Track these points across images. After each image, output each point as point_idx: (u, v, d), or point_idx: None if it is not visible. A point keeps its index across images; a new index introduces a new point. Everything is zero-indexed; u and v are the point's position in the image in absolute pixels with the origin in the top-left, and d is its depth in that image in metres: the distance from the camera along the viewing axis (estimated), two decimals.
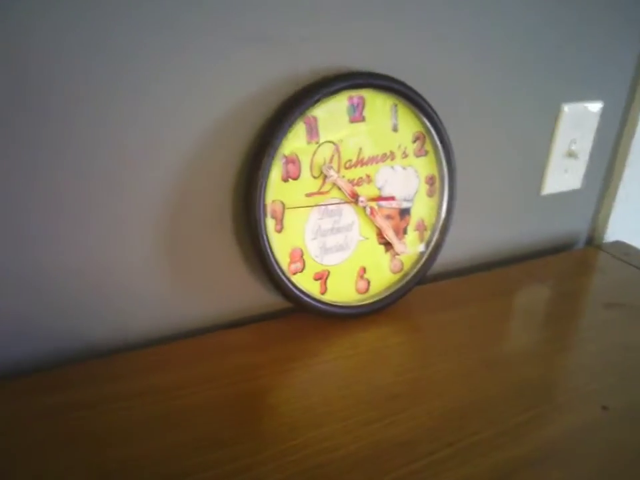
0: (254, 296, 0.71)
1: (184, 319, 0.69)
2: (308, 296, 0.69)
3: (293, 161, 0.65)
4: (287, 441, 0.56)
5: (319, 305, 0.70)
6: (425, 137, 0.73)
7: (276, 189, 0.65)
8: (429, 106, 0.71)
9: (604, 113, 0.90)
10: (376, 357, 0.69)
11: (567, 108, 0.86)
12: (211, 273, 0.68)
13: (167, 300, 0.67)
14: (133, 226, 0.63)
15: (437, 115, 0.72)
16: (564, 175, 0.91)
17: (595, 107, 0.89)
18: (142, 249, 0.64)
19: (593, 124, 0.90)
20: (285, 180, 0.65)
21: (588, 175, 0.93)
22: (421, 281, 0.77)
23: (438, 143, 0.73)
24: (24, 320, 0.60)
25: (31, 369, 0.62)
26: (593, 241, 1.00)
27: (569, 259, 0.93)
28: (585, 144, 0.90)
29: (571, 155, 0.89)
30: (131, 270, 0.64)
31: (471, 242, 0.87)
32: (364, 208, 0.70)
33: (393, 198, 0.72)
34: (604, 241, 0.99)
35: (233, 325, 0.71)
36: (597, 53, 0.85)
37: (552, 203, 0.92)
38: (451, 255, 0.84)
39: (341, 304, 0.72)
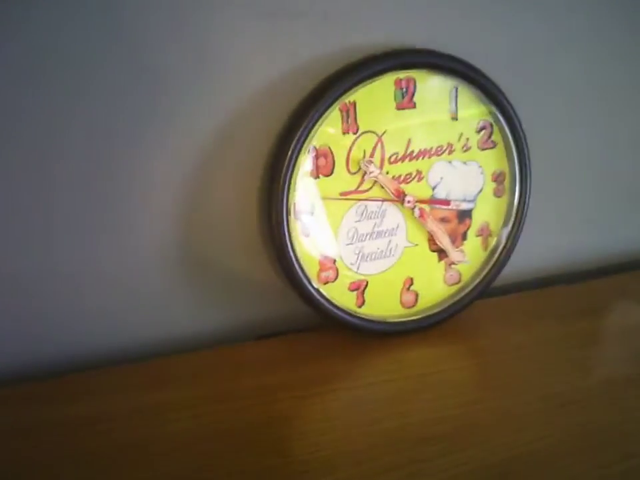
0: (282, 306, 0.63)
1: (201, 329, 0.62)
2: (340, 309, 0.60)
3: (324, 154, 0.56)
4: None
5: (352, 319, 0.61)
6: (492, 127, 0.61)
7: (304, 186, 0.56)
8: (498, 89, 0.59)
9: None
10: (418, 385, 0.59)
11: None
12: (232, 278, 0.61)
13: (182, 307, 0.61)
14: (145, 226, 0.57)
15: (507, 99, 0.60)
16: None
17: None
18: (155, 251, 0.58)
19: None
20: (315, 176, 0.56)
21: None
22: (483, 294, 0.66)
23: (509, 133, 0.61)
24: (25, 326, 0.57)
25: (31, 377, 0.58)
26: None
27: None
28: None
29: None
30: (143, 274, 0.58)
31: (550, 249, 0.75)
32: (412, 210, 0.60)
33: (447, 202, 0.61)
34: None
35: (258, 339, 0.63)
36: None
37: None
38: (523, 264, 0.72)
39: (380, 319, 0.62)
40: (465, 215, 0.63)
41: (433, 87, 0.58)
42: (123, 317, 0.59)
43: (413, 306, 0.64)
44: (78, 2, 0.47)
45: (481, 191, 0.63)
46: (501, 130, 0.61)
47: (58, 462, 0.48)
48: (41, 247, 0.54)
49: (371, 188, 0.58)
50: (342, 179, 0.57)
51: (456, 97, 0.59)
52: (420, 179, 0.60)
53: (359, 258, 0.60)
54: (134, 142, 0.53)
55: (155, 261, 0.58)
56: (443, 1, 0.57)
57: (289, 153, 0.54)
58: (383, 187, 0.59)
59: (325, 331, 0.63)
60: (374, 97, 0.56)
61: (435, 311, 0.64)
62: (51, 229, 0.54)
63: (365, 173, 0.57)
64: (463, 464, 0.50)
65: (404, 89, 0.57)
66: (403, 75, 0.56)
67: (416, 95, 0.58)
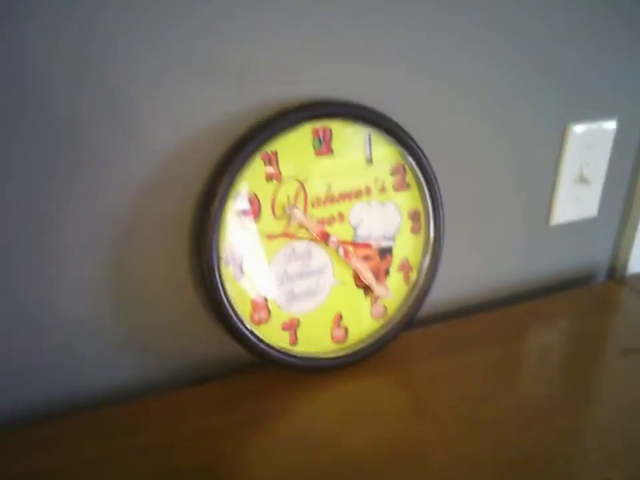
0: (218, 349, 0.65)
1: (137, 377, 0.63)
2: (274, 349, 0.62)
3: (251, 201, 0.59)
4: None
5: (287, 357, 0.63)
6: (404, 169, 0.66)
7: (232, 232, 0.59)
8: (407, 135, 0.64)
9: (619, 132, 0.81)
10: (353, 416, 0.62)
11: (576, 128, 0.77)
12: (167, 324, 0.63)
13: (116, 356, 0.62)
14: (74, 273, 0.57)
15: (416, 144, 0.65)
16: (576, 202, 0.82)
17: (609, 125, 0.80)
18: (85, 299, 0.59)
19: (607, 144, 0.81)
20: (243, 223, 0.59)
21: (605, 201, 0.84)
22: (408, 326, 0.69)
23: (420, 174, 0.66)
24: None
25: None
26: (615, 274, 0.90)
27: (585, 296, 0.84)
28: (599, 167, 0.81)
29: (583, 179, 0.80)
30: (72, 325, 0.59)
31: (467, 280, 0.79)
32: (336, 249, 0.64)
33: (367, 245, 0.65)
34: (628, 274, 0.89)
35: (197, 382, 0.65)
36: (608, 66, 0.77)
37: (563, 234, 0.83)
38: (444, 295, 0.77)
39: (314, 356, 0.65)
40: (386, 252, 0.67)
41: (348, 135, 0.62)
42: (56, 369, 0.60)
43: (344, 341, 0.67)
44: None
45: (399, 229, 0.67)
46: (413, 172, 0.66)
47: None
48: None
49: (297, 230, 0.62)
50: (269, 224, 0.61)
51: (370, 143, 0.64)
52: (342, 220, 0.64)
53: (290, 297, 0.63)
54: (58, 197, 0.54)
55: (86, 312, 0.59)
56: (352, 56, 0.61)
57: (215, 202, 0.57)
58: (307, 229, 0.62)
59: (261, 370, 0.65)
60: (294, 145, 0.60)
61: (365, 344, 0.68)
62: None
63: (290, 217, 0.61)
64: None
65: (321, 137, 0.61)
66: (319, 124, 0.61)
67: (333, 142, 0.62)
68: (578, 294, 0.84)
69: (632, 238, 0.87)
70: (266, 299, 0.62)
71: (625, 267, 0.89)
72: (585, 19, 0.73)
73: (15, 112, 0.51)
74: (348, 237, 0.65)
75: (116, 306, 0.60)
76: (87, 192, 0.55)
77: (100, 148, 0.54)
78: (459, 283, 0.79)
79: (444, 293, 0.76)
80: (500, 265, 0.81)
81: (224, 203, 0.57)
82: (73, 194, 0.55)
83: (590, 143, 0.79)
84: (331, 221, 0.64)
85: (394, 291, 0.68)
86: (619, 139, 0.81)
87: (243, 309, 0.61)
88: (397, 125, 0.64)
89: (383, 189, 0.65)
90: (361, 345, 0.67)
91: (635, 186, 0.85)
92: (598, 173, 0.82)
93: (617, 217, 0.87)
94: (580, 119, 0.78)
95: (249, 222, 0.60)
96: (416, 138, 0.65)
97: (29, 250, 0.55)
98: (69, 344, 0.59)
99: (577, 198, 0.81)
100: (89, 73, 0.52)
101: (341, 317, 0.66)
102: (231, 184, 0.57)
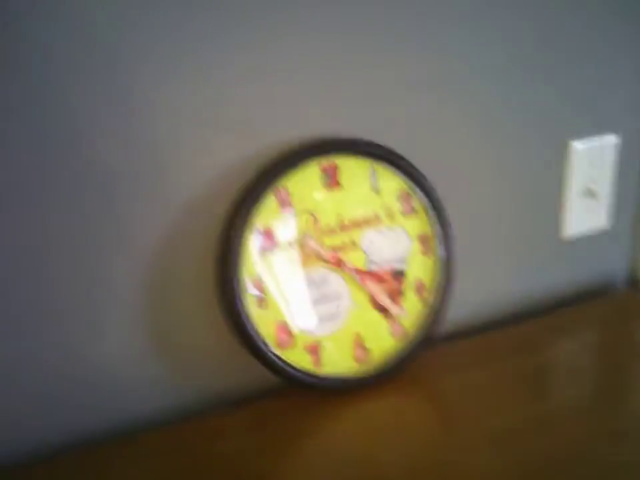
0: (249, 373, 0.70)
1: (173, 404, 0.68)
2: (300, 371, 0.67)
3: (267, 234, 0.65)
4: None
5: (312, 379, 0.67)
6: (410, 196, 0.71)
7: (253, 263, 0.64)
8: (409, 164, 0.69)
9: (623, 145, 0.84)
10: (377, 433, 0.65)
11: (578, 144, 0.81)
12: (199, 352, 0.68)
13: (152, 385, 0.67)
14: (112, 314, 0.64)
15: (419, 171, 0.70)
16: (585, 215, 0.85)
17: (610, 140, 0.83)
18: (123, 335, 0.65)
19: (611, 158, 0.84)
20: (262, 253, 0.65)
21: (616, 212, 0.87)
22: (428, 343, 0.73)
23: (425, 200, 0.71)
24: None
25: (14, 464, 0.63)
26: (634, 283, 0.92)
27: (604, 306, 0.86)
28: (604, 180, 0.85)
29: (590, 193, 0.84)
30: (113, 360, 0.65)
31: (485, 297, 0.83)
32: (351, 275, 0.68)
33: (380, 276, 0.70)
34: None
35: (230, 405, 0.69)
36: (605, 82, 0.81)
37: (577, 247, 0.86)
38: (464, 313, 0.80)
39: (337, 376, 0.69)
40: (399, 274, 0.71)
41: (353, 168, 0.68)
42: (101, 402, 0.66)
43: (366, 360, 0.71)
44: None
45: (409, 252, 0.72)
46: (419, 198, 0.71)
47: None
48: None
49: (312, 259, 0.67)
50: (286, 254, 0.66)
51: (374, 173, 0.69)
52: (354, 247, 0.69)
53: (311, 322, 0.68)
54: (94, 241, 0.61)
55: (123, 349, 0.65)
56: (350, 95, 0.67)
57: (234, 237, 0.63)
58: (322, 258, 0.67)
59: (288, 392, 0.69)
60: (303, 182, 0.65)
61: (387, 363, 0.71)
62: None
63: (305, 246, 0.66)
64: None
65: (328, 173, 0.67)
66: (325, 161, 0.66)
67: (339, 176, 0.67)
68: (597, 304, 0.86)
69: None
70: (289, 324, 0.67)
71: None
72: (584, 34, 0.78)
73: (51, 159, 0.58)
74: (361, 262, 0.69)
75: (150, 340, 0.66)
76: (120, 233, 0.62)
77: (133, 192, 0.61)
78: (476, 300, 0.82)
79: (463, 311, 0.80)
80: (517, 281, 0.84)
81: (242, 237, 0.63)
82: (111, 228, 0.62)
83: (592, 157, 0.83)
84: (343, 248, 0.68)
85: (410, 311, 0.72)
86: (624, 151, 0.84)
87: (267, 335, 0.66)
88: (398, 156, 0.69)
89: (391, 216, 0.70)
90: (383, 364, 0.71)
91: None
92: (604, 185, 0.85)
93: (628, 227, 0.89)
94: (582, 135, 0.81)
95: (268, 253, 0.65)
96: (420, 164, 0.70)
97: (73, 296, 0.62)
98: (106, 376, 0.65)
99: (586, 211, 0.84)
100: (129, 126, 0.59)
101: (361, 337, 0.70)
102: (246, 220, 0.63)
